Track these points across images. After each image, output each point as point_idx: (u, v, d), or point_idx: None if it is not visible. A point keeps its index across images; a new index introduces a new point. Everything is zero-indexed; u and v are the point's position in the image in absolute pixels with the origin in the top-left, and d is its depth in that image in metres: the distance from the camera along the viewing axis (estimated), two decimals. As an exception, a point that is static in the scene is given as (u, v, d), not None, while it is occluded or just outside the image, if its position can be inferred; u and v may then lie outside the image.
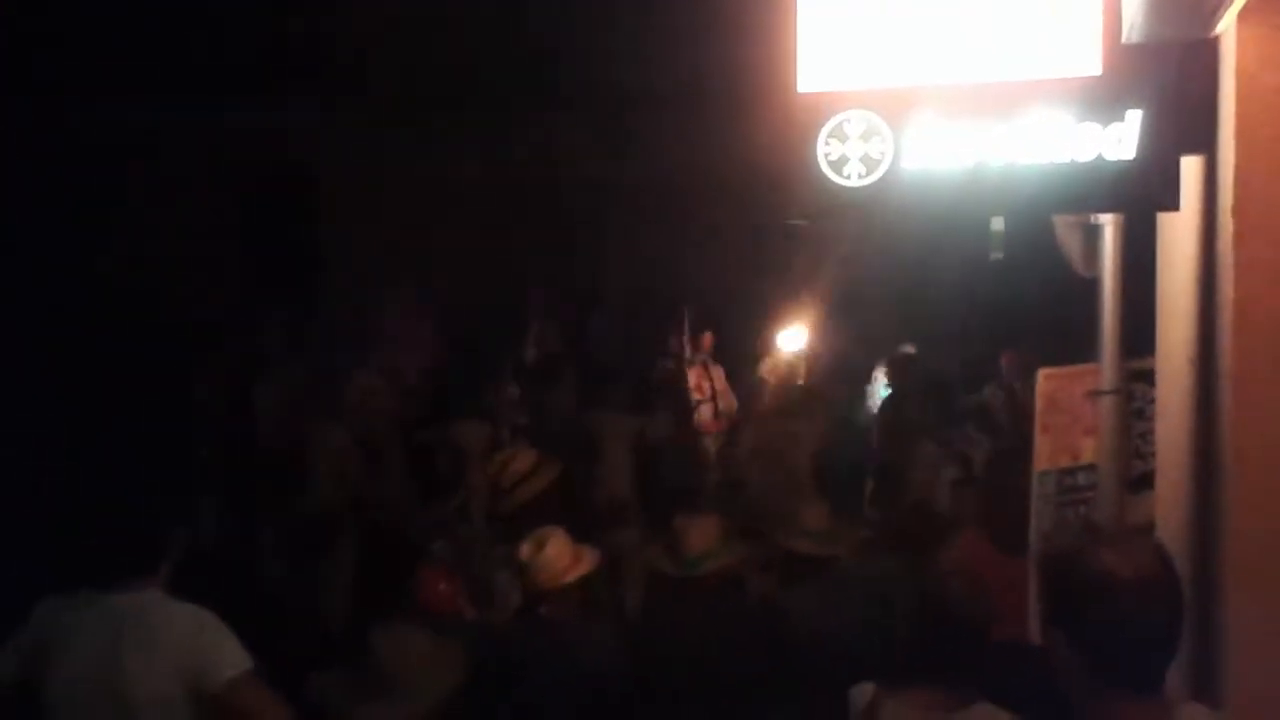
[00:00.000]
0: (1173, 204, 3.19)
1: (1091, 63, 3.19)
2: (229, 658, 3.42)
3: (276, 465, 7.23)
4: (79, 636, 3.40)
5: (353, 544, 6.38)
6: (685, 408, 10.18)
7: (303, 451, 7.26)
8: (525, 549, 4.48)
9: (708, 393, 11.06)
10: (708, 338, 11.49)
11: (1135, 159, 3.15)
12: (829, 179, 3.34)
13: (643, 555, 5.04)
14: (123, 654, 3.35)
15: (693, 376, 11.04)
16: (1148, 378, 3.68)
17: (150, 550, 3.53)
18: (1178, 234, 3.30)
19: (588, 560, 4.55)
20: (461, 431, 7.83)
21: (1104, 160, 3.17)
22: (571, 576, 4.44)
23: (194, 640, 3.40)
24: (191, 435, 7.64)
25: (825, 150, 3.34)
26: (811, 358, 11.31)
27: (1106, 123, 3.16)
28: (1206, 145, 3.17)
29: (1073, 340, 4.19)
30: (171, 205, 12.01)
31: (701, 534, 4.61)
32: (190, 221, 12.10)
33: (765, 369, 11.35)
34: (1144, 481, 3.84)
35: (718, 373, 11.35)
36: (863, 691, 3.60)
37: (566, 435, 7.99)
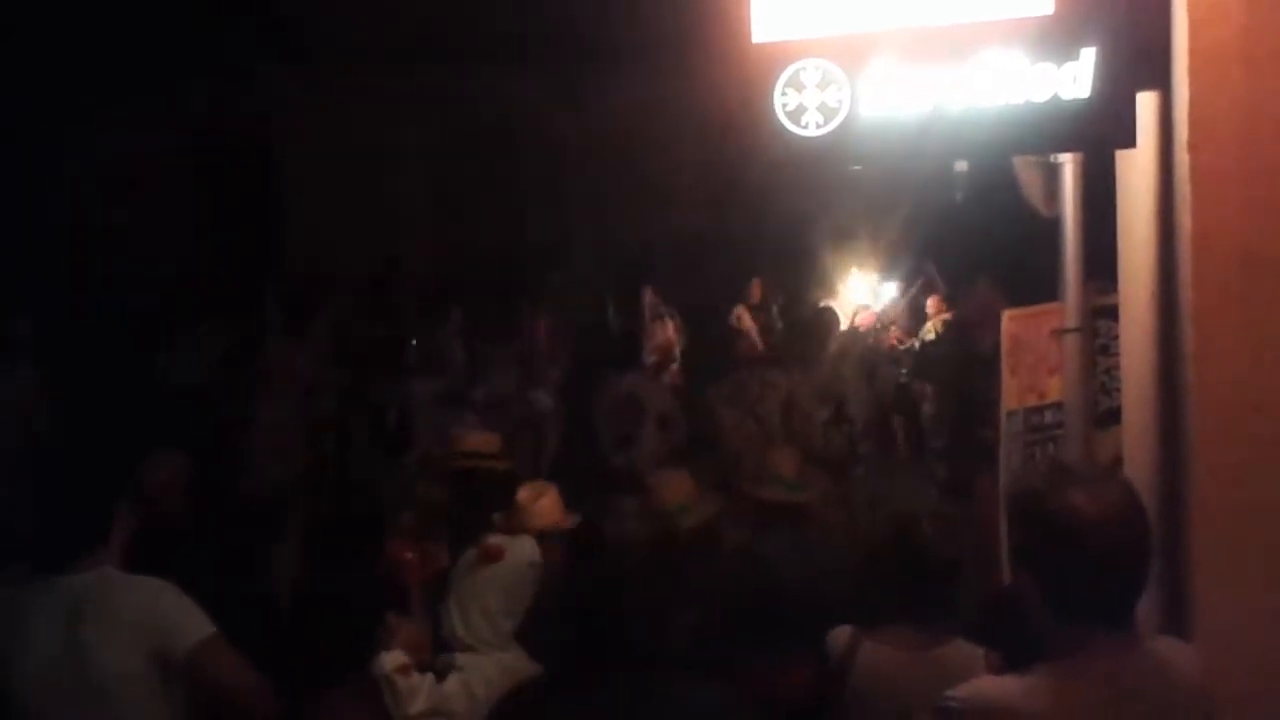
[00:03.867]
0: (1129, 141, 3.20)
1: (1044, 2, 3.19)
2: (191, 625, 3.39)
3: (220, 444, 7.17)
4: (36, 621, 3.36)
5: (301, 522, 6.32)
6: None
7: (245, 429, 7.23)
8: (524, 493, 4.73)
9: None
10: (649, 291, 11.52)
11: (1090, 97, 3.15)
12: (787, 129, 3.34)
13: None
14: (83, 633, 3.32)
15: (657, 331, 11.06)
16: (1111, 314, 3.70)
17: (95, 524, 3.48)
18: (1136, 170, 3.31)
19: (572, 517, 4.70)
20: (413, 388, 7.84)
21: (1060, 100, 3.17)
22: (563, 524, 4.62)
23: (154, 611, 3.36)
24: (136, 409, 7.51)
25: (782, 100, 3.33)
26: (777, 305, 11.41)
27: (1061, 62, 3.16)
28: (1161, 81, 3.18)
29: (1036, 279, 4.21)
30: (122, 179, 11.80)
31: (676, 488, 4.68)
32: (140, 194, 11.89)
33: (735, 318, 11.40)
34: (1111, 417, 3.87)
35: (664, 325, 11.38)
36: (840, 634, 3.65)
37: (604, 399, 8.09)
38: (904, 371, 9.90)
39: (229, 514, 6.04)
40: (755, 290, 12.49)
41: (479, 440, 5.67)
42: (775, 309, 12.26)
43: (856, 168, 3.76)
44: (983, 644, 3.53)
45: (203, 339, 8.71)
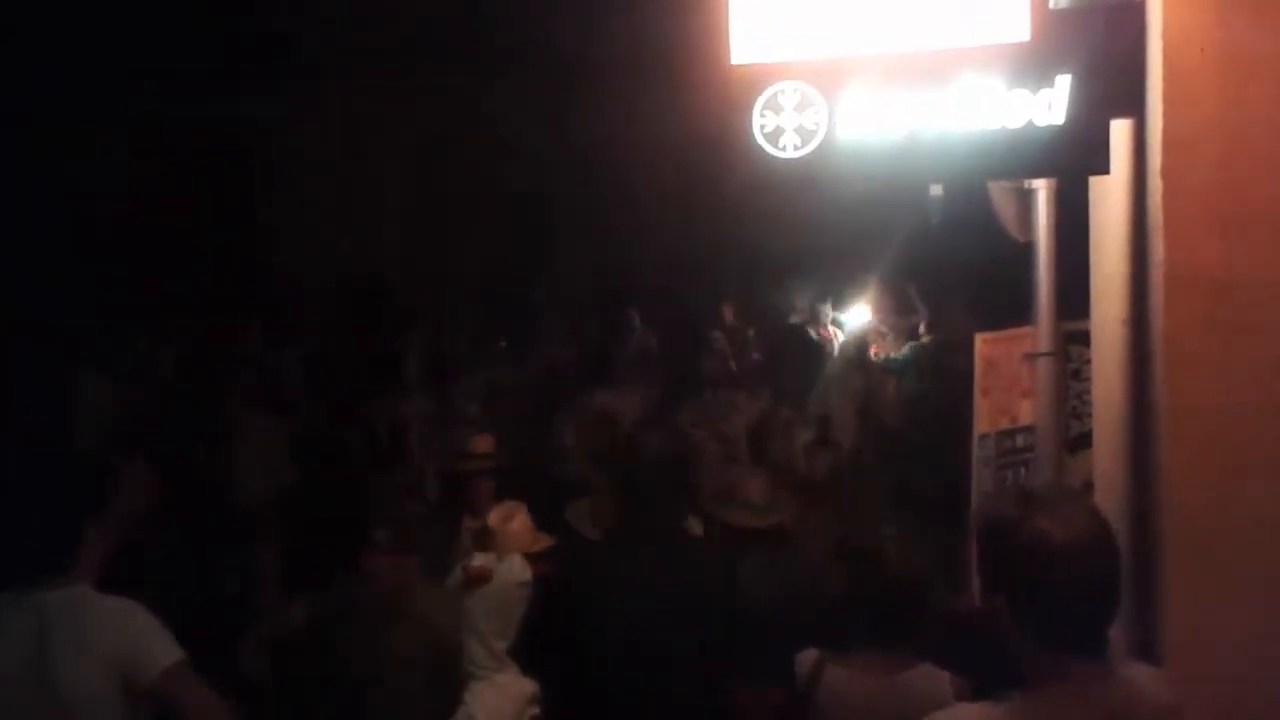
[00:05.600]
0: (1103, 167, 3.22)
1: (1020, 29, 3.21)
2: (160, 650, 3.35)
3: (202, 456, 7.13)
4: (2, 637, 3.33)
5: (279, 536, 6.28)
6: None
7: (230, 442, 7.18)
8: (494, 517, 4.70)
9: None
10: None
11: (1065, 124, 3.17)
12: (764, 151, 3.35)
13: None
14: (50, 652, 3.28)
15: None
16: (1083, 339, 3.72)
17: (65, 543, 3.44)
18: (1109, 196, 3.33)
19: (543, 540, 4.68)
20: (408, 406, 7.86)
21: (1034, 126, 3.19)
22: (531, 549, 4.58)
23: (123, 634, 3.33)
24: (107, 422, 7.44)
25: (760, 122, 3.34)
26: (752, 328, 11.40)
27: (1036, 88, 3.18)
28: (1135, 108, 3.21)
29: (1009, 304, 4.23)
30: (102, 180, 11.70)
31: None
32: (117, 197, 11.80)
33: (711, 341, 11.39)
34: (1082, 441, 3.89)
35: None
36: (806, 657, 3.64)
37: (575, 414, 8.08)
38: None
39: (202, 526, 6.02)
40: (727, 313, 12.55)
41: (482, 442, 5.82)
42: (750, 332, 12.29)
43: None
44: (949, 669, 3.54)
45: (175, 349, 8.68)
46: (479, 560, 4.46)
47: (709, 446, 7.48)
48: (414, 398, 8.10)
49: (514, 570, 4.47)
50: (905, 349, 9.96)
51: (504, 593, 4.41)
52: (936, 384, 7.45)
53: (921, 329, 10.45)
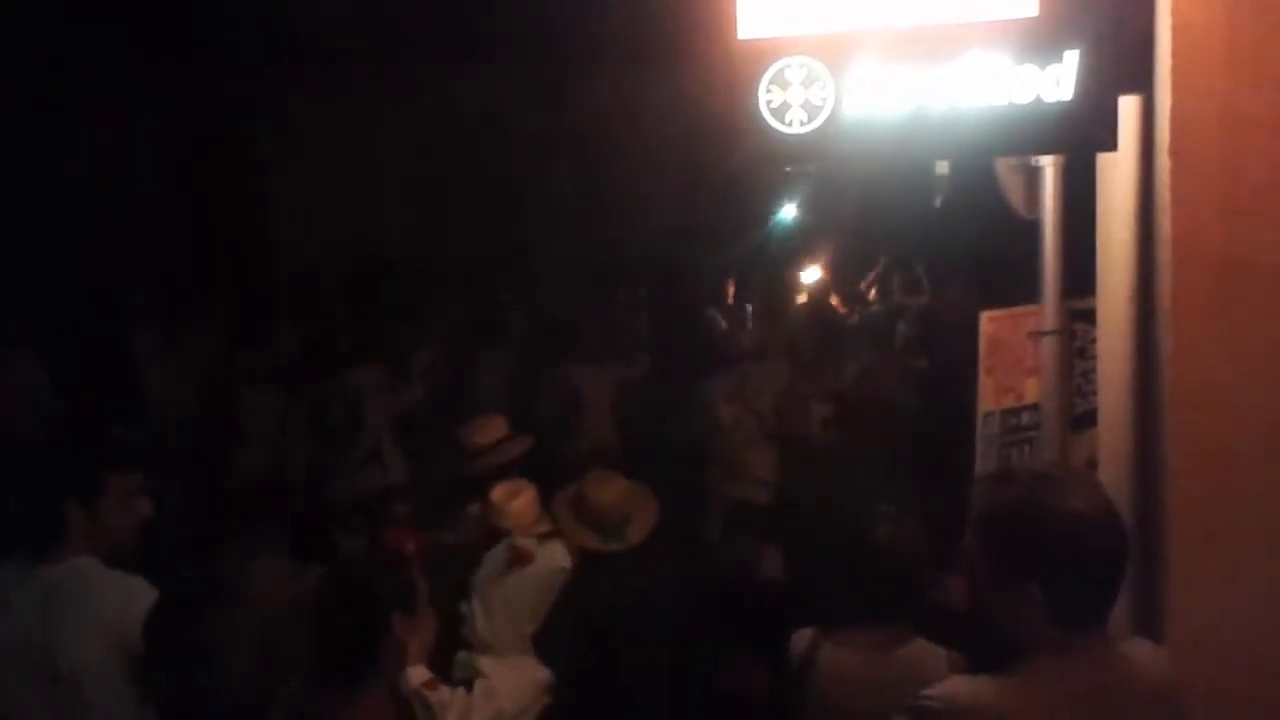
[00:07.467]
0: (1110, 144, 3.20)
1: (1028, 3, 3.19)
2: None
3: (203, 432, 7.12)
4: (6, 608, 3.36)
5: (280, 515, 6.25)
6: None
7: (232, 418, 7.17)
8: (499, 492, 4.67)
9: None
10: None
11: (1073, 100, 3.15)
12: (771, 126, 3.33)
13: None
14: (54, 623, 3.31)
15: None
16: (1089, 317, 3.71)
17: (49, 518, 3.46)
18: (1117, 174, 3.32)
19: (548, 523, 4.66)
20: (357, 375, 7.68)
21: (1042, 102, 3.17)
22: (534, 530, 4.55)
23: (126, 606, 3.36)
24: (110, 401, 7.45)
25: (767, 97, 3.33)
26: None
27: (1044, 64, 3.16)
28: (1143, 85, 3.19)
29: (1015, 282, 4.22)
30: (96, 163, 11.67)
31: (612, 493, 4.62)
32: (111, 179, 11.77)
33: (713, 319, 11.39)
34: (1086, 419, 3.88)
35: None
36: (802, 635, 3.65)
37: (544, 390, 8.02)
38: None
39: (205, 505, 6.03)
40: (729, 291, 12.57)
41: (489, 430, 5.50)
42: (749, 308, 12.29)
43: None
44: (945, 645, 3.55)
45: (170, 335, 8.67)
46: (524, 542, 4.43)
47: (745, 421, 7.38)
48: (362, 367, 7.97)
49: (555, 555, 4.44)
50: (854, 316, 10.01)
51: (543, 576, 4.37)
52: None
53: (872, 295, 10.48)
